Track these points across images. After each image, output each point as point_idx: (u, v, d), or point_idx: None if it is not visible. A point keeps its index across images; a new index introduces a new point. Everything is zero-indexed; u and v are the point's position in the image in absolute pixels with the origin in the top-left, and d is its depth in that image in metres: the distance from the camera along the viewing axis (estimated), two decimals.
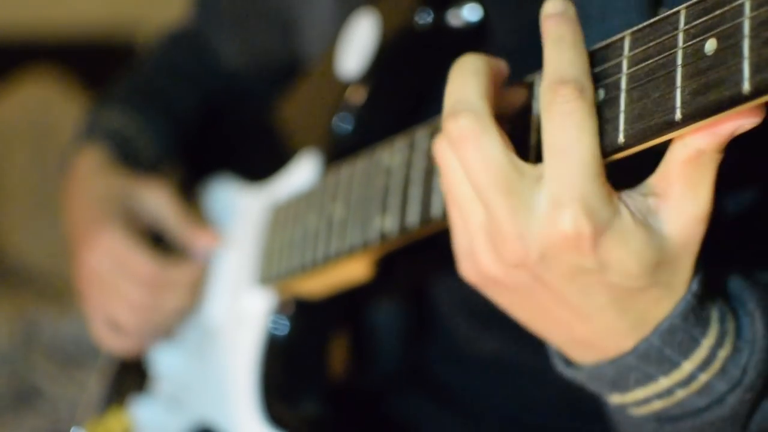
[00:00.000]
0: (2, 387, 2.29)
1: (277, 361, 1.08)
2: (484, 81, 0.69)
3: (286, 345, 1.08)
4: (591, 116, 0.63)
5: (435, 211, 0.81)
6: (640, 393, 0.71)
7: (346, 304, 1.10)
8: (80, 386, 2.18)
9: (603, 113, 0.64)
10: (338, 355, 1.13)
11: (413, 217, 0.84)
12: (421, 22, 0.98)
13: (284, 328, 1.08)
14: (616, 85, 0.64)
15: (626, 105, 0.63)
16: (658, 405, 0.72)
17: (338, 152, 1.05)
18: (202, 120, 1.40)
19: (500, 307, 0.75)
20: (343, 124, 1.06)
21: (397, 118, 1.02)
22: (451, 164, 0.68)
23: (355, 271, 1.01)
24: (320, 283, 1.05)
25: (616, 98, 0.64)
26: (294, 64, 1.32)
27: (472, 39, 0.98)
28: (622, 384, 0.71)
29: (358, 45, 1.06)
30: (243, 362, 1.10)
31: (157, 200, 1.22)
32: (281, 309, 1.09)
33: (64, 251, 1.28)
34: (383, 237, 0.89)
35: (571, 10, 0.68)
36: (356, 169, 0.96)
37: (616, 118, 0.63)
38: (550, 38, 0.66)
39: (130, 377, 1.34)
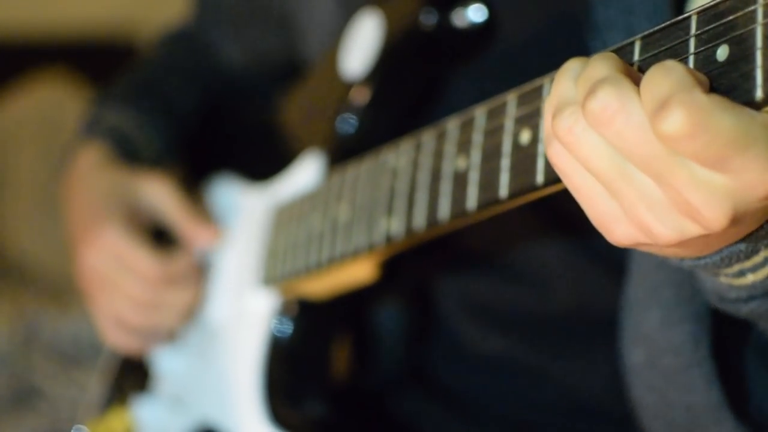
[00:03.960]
0: (2, 387, 2.28)
1: (281, 362, 1.08)
2: (617, 62, 0.63)
3: (289, 346, 1.08)
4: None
5: (442, 214, 0.81)
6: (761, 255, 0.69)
7: (349, 306, 1.10)
8: (80, 386, 2.18)
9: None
10: (341, 356, 1.13)
11: (420, 220, 0.84)
12: (425, 22, 0.98)
13: (287, 329, 1.08)
14: None
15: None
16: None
17: (341, 153, 1.05)
18: (204, 119, 1.40)
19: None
20: (347, 124, 1.05)
21: (400, 119, 1.02)
22: (585, 141, 0.62)
23: (360, 272, 1.01)
24: (324, 285, 1.05)
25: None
26: (295, 64, 1.31)
27: (477, 40, 0.98)
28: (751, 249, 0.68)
29: (361, 45, 1.06)
30: (246, 362, 1.10)
31: (158, 194, 1.21)
32: (284, 310, 1.08)
33: (65, 251, 1.28)
34: (389, 239, 0.88)
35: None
36: (361, 170, 0.95)
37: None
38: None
39: (132, 377, 1.34)
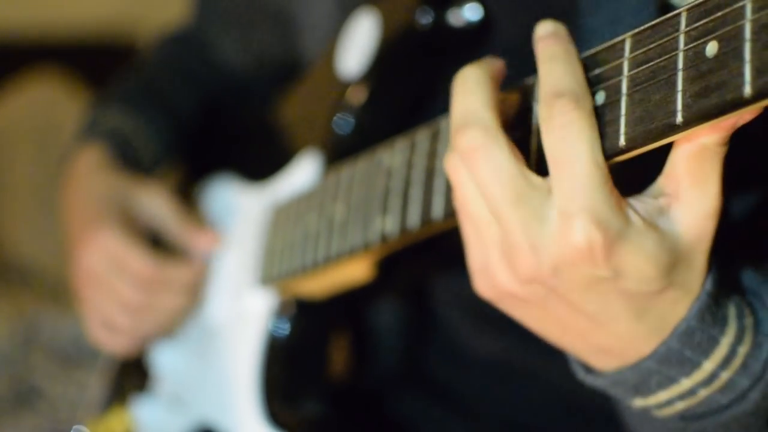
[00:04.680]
0: (2, 387, 2.29)
1: (278, 361, 1.08)
2: (488, 90, 0.69)
3: (286, 346, 1.08)
4: (590, 125, 0.63)
5: (436, 212, 0.81)
6: (662, 395, 0.71)
7: (346, 305, 1.10)
8: (80, 386, 2.19)
9: (604, 116, 0.64)
10: (339, 356, 1.13)
11: (414, 218, 0.84)
12: (421, 21, 0.98)
13: (285, 329, 1.08)
14: (617, 88, 0.64)
15: (627, 108, 0.63)
16: (681, 405, 0.71)
17: (338, 152, 1.05)
18: (203, 119, 1.40)
19: (516, 320, 0.74)
20: (344, 124, 1.05)
21: (397, 119, 1.02)
22: (462, 179, 0.68)
23: (356, 271, 1.01)
24: (321, 284, 1.05)
25: (617, 101, 0.63)
26: (294, 64, 1.31)
27: (472, 39, 0.98)
28: (644, 388, 0.71)
29: (358, 44, 1.06)
30: (244, 362, 1.10)
31: (156, 202, 1.22)
32: (282, 310, 1.08)
33: (64, 251, 1.28)
34: (384, 238, 0.88)
35: (562, 30, 0.69)
36: (357, 169, 0.95)
37: (617, 120, 0.63)
38: (542, 58, 0.67)
39: (132, 377, 1.34)
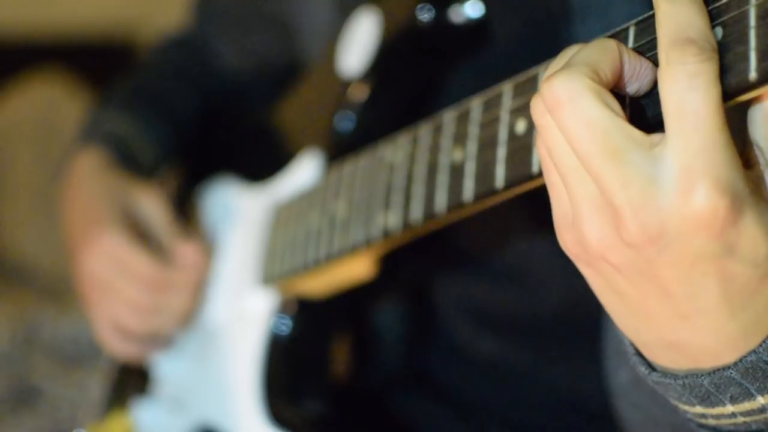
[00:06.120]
0: (2, 387, 2.29)
1: (280, 360, 1.08)
2: (596, 52, 0.61)
3: (288, 345, 1.08)
4: (717, 81, 0.56)
5: (439, 207, 0.81)
6: (729, 408, 0.63)
7: (348, 304, 1.10)
8: (80, 386, 2.19)
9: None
10: (340, 355, 1.12)
11: (416, 213, 0.84)
12: (422, 18, 0.98)
13: (287, 327, 1.08)
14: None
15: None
16: (741, 420, 0.64)
17: (340, 150, 1.05)
18: (203, 122, 1.40)
19: (591, 288, 0.65)
20: (345, 122, 1.05)
21: (398, 116, 1.02)
22: (549, 129, 0.60)
23: (358, 269, 1.01)
24: (323, 282, 1.05)
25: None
26: (293, 66, 1.31)
27: (473, 36, 0.98)
28: (714, 399, 0.63)
29: (359, 42, 1.06)
30: (245, 362, 1.09)
31: (149, 205, 1.21)
32: (284, 308, 1.08)
33: (65, 252, 1.28)
34: (386, 233, 0.88)
35: None
36: (358, 166, 0.95)
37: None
38: None
39: (132, 379, 1.34)
